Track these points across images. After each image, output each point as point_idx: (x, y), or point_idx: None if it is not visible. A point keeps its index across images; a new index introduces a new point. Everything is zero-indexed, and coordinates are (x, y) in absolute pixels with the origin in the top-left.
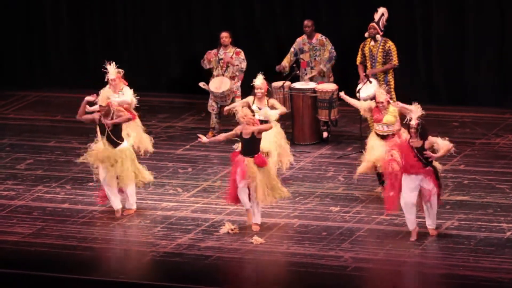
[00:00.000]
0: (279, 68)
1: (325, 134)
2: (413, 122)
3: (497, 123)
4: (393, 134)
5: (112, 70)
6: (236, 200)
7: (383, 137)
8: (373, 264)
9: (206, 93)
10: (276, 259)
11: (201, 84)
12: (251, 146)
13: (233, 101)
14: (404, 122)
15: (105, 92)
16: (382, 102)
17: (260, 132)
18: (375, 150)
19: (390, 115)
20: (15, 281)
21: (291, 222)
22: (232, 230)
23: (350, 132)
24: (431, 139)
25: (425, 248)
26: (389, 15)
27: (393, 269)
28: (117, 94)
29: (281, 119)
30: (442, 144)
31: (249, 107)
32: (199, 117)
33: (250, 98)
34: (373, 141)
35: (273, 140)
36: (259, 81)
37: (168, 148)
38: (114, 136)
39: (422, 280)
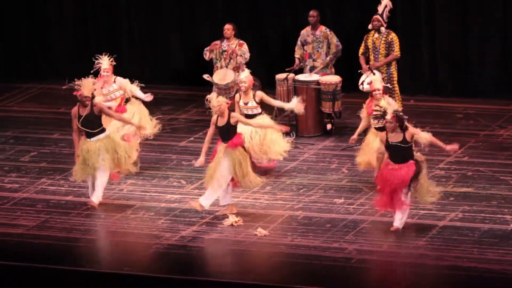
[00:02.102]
0: (297, 65)
1: (328, 126)
2: (388, 117)
3: (501, 114)
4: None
5: (106, 60)
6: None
7: (380, 129)
8: (377, 256)
9: (210, 85)
10: (280, 251)
11: (205, 76)
12: (226, 133)
13: (236, 93)
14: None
15: (89, 81)
16: (379, 89)
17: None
18: (370, 147)
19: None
20: (19, 274)
21: (295, 214)
22: (236, 222)
23: (354, 124)
24: (411, 129)
25: (429, 240)
26: (393, 5)
27: (397, 261)
28: (110, 85)
29: (284, 113)
30: (424, 136)
31: (237, 103)
32: (203, 109)
33: (236, 96)
34: (369, 136)
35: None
36: (244, 74)
37: (172, 140)
38: (91, 127)
39: (426, 272)
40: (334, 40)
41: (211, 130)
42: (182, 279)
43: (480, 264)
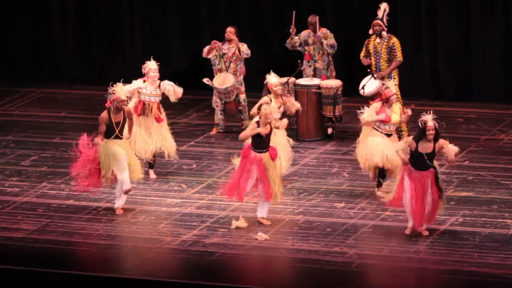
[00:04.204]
0: (292, 31)
1: (329, 130)
2: (431, 124)
3: (501, 119)
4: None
5: (153, 62)
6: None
7: (388, 135)
8: (377, 260)
9: (210, 89)
10: (281, 255)
11: (205, 80)
12: (268, 141)
13: (237, 97)
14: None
15: (121, 87)
16: (395, 93)
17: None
18: (378, 149)
19: (396, 115)
20: (20, 278)
21: (296, 218)
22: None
23: (355, 128)
24: (441, 141)
25: (429, 244)
26: (393, 10)
27: (398, 265)
28: (155, 88)
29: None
30: (452, 150)
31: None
32: (203, 113)
33: (266, 98)
34: (377, 139)
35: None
36: (274, 79)
37: None
38: (122, 133)
39: (427, 277)
40: (332, 41)
41: (251, 133)
42: (182, 283)
43: (480, 269)
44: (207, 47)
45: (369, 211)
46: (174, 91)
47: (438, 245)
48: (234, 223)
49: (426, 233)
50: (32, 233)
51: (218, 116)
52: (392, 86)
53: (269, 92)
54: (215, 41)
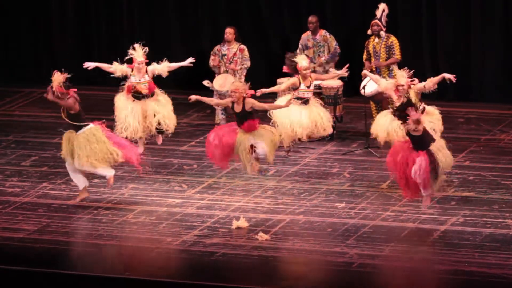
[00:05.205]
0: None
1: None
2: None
3: (502, 119)
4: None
5: (140, 52)
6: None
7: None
8: (378, 260)
9: (210, 90)
10: (282, 255)
11: (205, 83)
12: (243, 119)
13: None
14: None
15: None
16: (402, 85)
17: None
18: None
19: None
20: (20, 278)
21: (297, 219)
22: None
23: (355, 128)
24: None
25: (430, 245)
26: (393, 10)
27: (398, 265)
28: (143, 76)
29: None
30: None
31: (294, 89)
32: (204, 113)
33: (295, 79)
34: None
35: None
36: (304, 62)
37: (173, 145)
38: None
39: (427, 277)
40: (334, 43)
41: (223, 101)
42: (183, 283)
43: (481, 269)
44: (213, 62)
45: (370, 211)
46: (161, 68)
47: (439, 245)
48: (235, 223)
49: (426, 203)
50: (33, 233)
51: (219, 116)
52: (402, 76)
53: (297, 72)
54: (214, 55)
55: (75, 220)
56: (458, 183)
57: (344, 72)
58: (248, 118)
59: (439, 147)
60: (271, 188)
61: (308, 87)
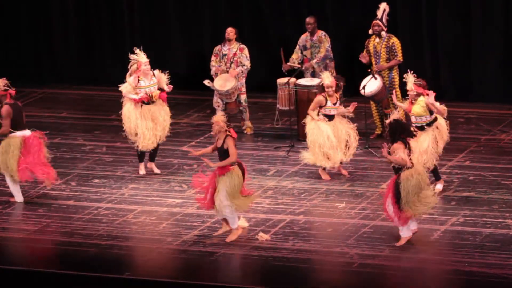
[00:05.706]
0: (285, 68)
1: None
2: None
3: (502, 119)
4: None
5: (142, 54)
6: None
7: (421, 129)
8: (378, 260)
9: (211, 90)
10: (282, 255)
11: (206, 82)
12: (220, 155)
13: (238, 97)
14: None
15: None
16: (412, 89)
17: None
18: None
19: (418, 105)
20: (20, 278)
21: (297, 219)
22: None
23: (355, 128)
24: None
25: (430, 245)
26: (393, 10)
27: (398, 265)
28: (150, 78)
29: (287, 115)
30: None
31: (321, 106)
32: (204, 113)
33: (321, 98)
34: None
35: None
36: (327, 79)
37: (173, 145)
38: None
39: (427, 277)
40: (326, 45)
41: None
42: (183, 283)
43: (481, 269)
44: (215, 69)
45: (370, 211)
46: (163, 79)
47: (439, 245)
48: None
49: (399, 243)
50: (33, 233)
51: None
52: (409, 81)
53: (323, 91)
54: (215, 66)
55: (75, 220)
56: (458, 183)
57: (350, 109)
58: (224, 156)
59: (408, 176)
60: (271, 188)
61: (334, 104)
